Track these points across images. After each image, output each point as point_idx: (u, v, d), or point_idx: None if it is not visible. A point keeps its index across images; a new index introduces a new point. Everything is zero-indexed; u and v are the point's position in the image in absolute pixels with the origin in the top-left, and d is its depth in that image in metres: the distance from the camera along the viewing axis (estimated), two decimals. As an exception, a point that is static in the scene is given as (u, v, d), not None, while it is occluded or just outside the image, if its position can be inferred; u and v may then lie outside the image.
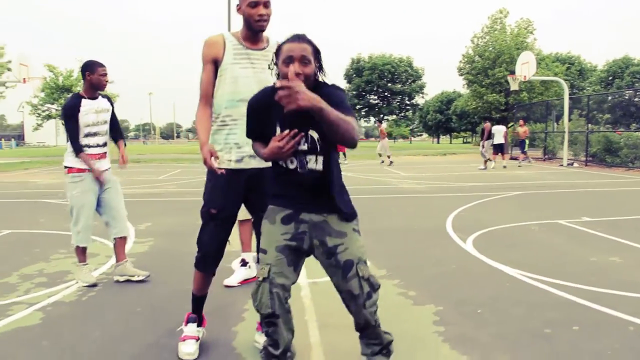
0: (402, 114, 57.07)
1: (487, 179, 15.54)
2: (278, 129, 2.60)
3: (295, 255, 2.70)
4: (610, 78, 59.41)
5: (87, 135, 4.79)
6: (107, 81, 4.84)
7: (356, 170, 19.58)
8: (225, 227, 3.18)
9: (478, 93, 33.92)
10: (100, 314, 4.06)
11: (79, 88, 37.62)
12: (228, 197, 3.14)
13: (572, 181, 14.71)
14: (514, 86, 24.29)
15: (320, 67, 2.59)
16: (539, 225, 7.66)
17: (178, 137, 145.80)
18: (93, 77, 4.75)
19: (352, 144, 2.42)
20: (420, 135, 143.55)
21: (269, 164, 2.90)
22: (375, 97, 55.53)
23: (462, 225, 7.59)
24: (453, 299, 4.32)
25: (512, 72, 26.64)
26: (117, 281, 4.95)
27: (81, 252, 4.93)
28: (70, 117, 4.70)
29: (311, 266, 5.36)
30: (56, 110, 40.09)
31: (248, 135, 2.80)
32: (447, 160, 27.74)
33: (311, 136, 2.59)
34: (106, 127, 4.96)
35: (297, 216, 2.67)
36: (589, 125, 23.81)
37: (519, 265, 5.33)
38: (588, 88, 62.21)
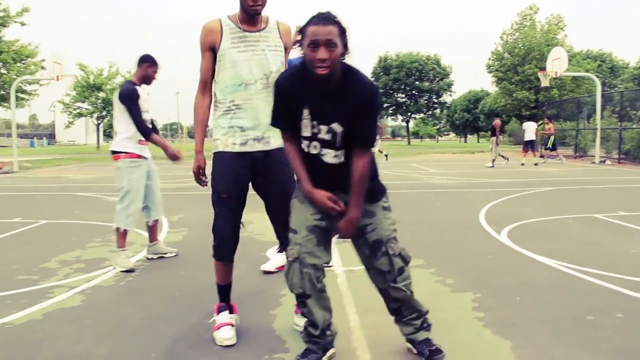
0: (430, 112, 56.63)
1: (518, 175, 15.34)
2: (306, 111, 2.56)
3: (325, 234, 2.69)
4: (644, 75, 58.16)
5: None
6: (154, 79, 5.12)
7: (383, 166, 19.51)
8: (236, 211, 3.16)
9: (507, 90, 33.51)
10: (139, 297, 4.10)
11: (110, 87, 38.44)
12: (235, 182, 3.10)
13: (605, 178, 14.44)
14: (544, 82, 23.90)
15: (346, 47, 2.47)
16: (574, 219, 7.53)
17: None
18: (150, 70, 5.03)
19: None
20: (447, 134, 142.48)
21: (274, 146, 3.07)
22: (403, 96, 55.16)
23: (495, 218, 7.50)
24: (491, 287, 4.27)
25: (543, 69, 26.28)
26: (151, 258, 5.26)
27: (122, 236, 4.99)
28: (135, 101, 4.88)
29: (347, 254, 5.39)
30: (86, 108, 40.77)
31: (274, 124, 2.74)
32: (475, 157, 27.44)
33: (333, 129, 2.55)
34: (149, 115, 5.08)
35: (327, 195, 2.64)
36: (622, 122, 23.30)
37: (556, 255, 5.24)
38: (620, 85, 61.04)
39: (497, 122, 19.75)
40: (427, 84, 53.40)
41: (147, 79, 5.05)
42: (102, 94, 38.56)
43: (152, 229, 5.34)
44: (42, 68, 23.52)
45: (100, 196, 10.89)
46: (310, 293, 2.67)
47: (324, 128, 2.55)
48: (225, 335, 3.15)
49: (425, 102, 54.80)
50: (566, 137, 29.09)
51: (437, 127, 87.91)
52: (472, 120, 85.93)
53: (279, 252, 4.88)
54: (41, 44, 24.32)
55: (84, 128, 76.81)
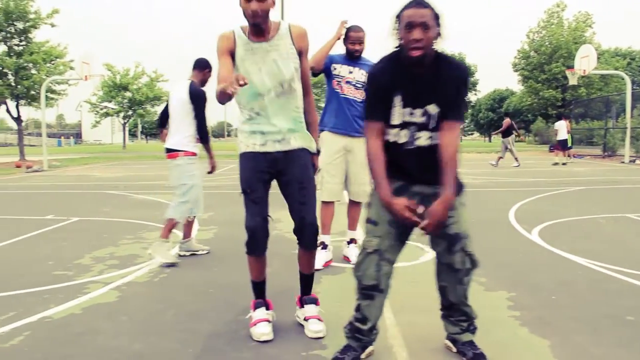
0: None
1: (546, 175, 15.17)
2: (398, 98, 2.59)
3: (404, 230, 2.68)
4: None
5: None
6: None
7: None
8: (261, 205, 3.21)
9: (533, 89, 33.10)
10: (174, 294, 4.14)
11: (135, 86, 38.85)
12: (257, 178, 3.19)
13: (637, 178, 14.21)
14: (572, 81, 23.54)
15: (439, 33, 2.52)
16: (605, 218, 7.42)
17: (229, 135, 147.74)
18: (208, 75, 5.25)
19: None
20: (472, 134, 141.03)
21: (294, 147, 3.15)
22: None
23: (525, 217, 7.42)
24: (525, 285, 4.23)
25: (570, 67, 25.91)
26: (183, 255, 5.33)
27: (170, 228, 5.17)
28: (205, 104, 5.09)
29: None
30: (112, 108, 41.27)
31: (369, 117, 2.69)
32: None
33: (428, 111, 2.59)
34: None
35: (409, 188, 2.68)
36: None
37: (589, 255, 5.17)
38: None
39: (507, 120, 19.32)
40: (451, 82, 52.96)
41: (205, 83, 5.25)
42: (128, 94, 39.01)
43: (189, 226, 5.46)
44: (71, 68, 23.83)
45: (129, 194, 11.02)
46: (383, 287, 2.71)
47: (418, 111, 2.58)
48: (263, 331, 3.17)
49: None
50: (594, 136, 28.66)
51: (462, 126, 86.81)
52: (497, 119, 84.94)
53: (322, 248, 4.87)
54: (69, 45, 24.65)
55: (109, 128, 77.75)
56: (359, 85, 4.81)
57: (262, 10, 2.96)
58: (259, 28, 3.06)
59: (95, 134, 78.47)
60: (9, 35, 22.69)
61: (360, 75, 4.83)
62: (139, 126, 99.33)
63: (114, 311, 3.72)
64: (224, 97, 2.79)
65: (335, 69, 4.84)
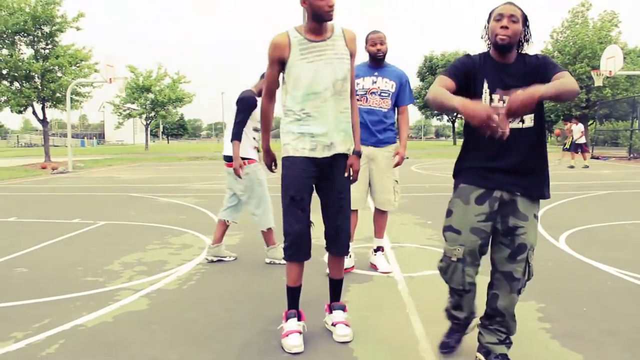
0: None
1: (572, 178, 15.00)
2: (485, 85, 2.71)
3: (487, 237, 2.80)
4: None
5: (255, 129, 5.21)
6: None
7: (426, 167, 19.35)
8: (305, 210, 3.27)
9: (557, 90, 32.66)
10: (204, 302, 4.17)
11: (158, 88, 39.15)
12: (305, 184, 3.24)
13: (664, 180, 13.99)
14: (598, 82, 23.20)
15: (525, 37, 2.76)
16: (634, 225, 7.32)
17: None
18: None
19: (576, 96, 2.56)
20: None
21: (339, 151, 3.22)
22: (449, 95, 54.54)
23: (552, 223, 7.34)
24: (555, 296, 4.19)
25: (595, 67, 25.56)
26: (211, 261, 5.37)
27: (271, 236, 5.36)
28: (248, 110, 5.09)
29: (405, 260, 5.39)
30: (135, 109, 41.66)
31: (443, 73, 2.77)
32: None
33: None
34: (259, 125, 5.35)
35: (490, 194, 2.77)
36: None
37: (618, 264, 5.11)
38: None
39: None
40: (473, 83, 52.62)
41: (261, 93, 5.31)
42: (150, 95, 39.37)
43: (222, 231, 5.48)
44: (96, 71, 24.13)
45: (153, 197, 11.12)
46: (470, 289, 2.86)
47: (506, 98, 2.58)
48: (294, 343, 3.19)
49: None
50: (619, 137, 28.29)
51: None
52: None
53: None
54: (94, 48, 24.95)
55: (132, 128, 78.46)
56: (384, 95, 4.77)
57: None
58: (321, 26, 3.17)
59: (117, 135, 79.38)
60: (35, 39, 23.02)
61: (384, 84, 4.77)
62: (161, 126, 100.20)
63: (145, 320, 3.76)
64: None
65: (357, 84, 4.71)
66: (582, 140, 19.78)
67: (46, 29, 22.89)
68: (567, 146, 20.86)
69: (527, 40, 2.79)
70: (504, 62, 2.74)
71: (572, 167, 19.10)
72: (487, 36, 2.78)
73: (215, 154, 32.02)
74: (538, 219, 2.85)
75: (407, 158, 26.33)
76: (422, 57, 55.17)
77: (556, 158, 20.47)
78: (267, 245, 5.34)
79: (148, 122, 42.01)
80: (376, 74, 4.77)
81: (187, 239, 6.55)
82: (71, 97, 22.33)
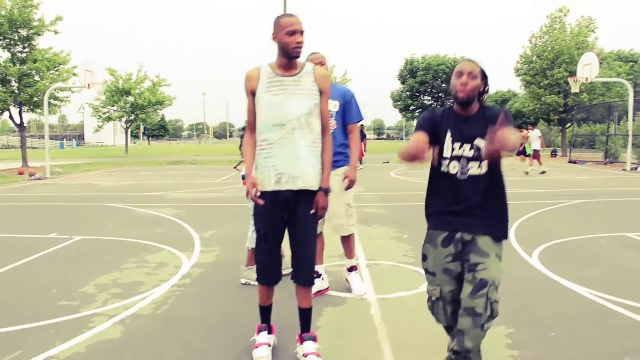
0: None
1: (548, 185, 15.21)
2: (448, 135, 2.93)
3: (459, 274, 2.99)
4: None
5: None
6: None
7: (406, 173, 19.48)
8: (275, 244, 3.49)
9: (536, 95, 33.05)
10: (177, 329, 4.17)
11: (138, 91, 38.89)
12: (271, 219, 3.41)
13: (636, 188, 14.23)
14: (575, 89, 23.64)
15: (483, 92, 2.96)
16: (606, 238, 7.45)
17: (231, 136, 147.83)
18: None
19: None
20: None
21: (303, 187, 3.31)
22: (430, 98, 54.83)
23: (526, 237, 7.46)
24: (525, 321, 4.27)
25: (573, 74, 25.93)
26: (246, 284, 5.30)
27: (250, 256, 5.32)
28: None
29: (379, 280, 5.45)
30: (115, 110, 41.35)
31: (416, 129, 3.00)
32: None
33: (477, 145, 2.86)
34: None
35: (453, 237, 2.98)
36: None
37: (589, 283, 5.21)
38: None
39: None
40: (454, 86, 52.96)
41: None
42: (130, 99, 39.10)
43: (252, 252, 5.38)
44: (74, 75, 23.93)
45: (131, 208, 11.07)
46: (453, 325, 3.00)
47: (467, 146, 2.90)
48: (262, 354, 3.48)
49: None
50: (596, 141, 28.72)
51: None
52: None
53: (316, 278, 4.90)
54: (73, 51, 24.73)
55: (112, 130, 77.82)
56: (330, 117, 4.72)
57: (303, 44, 3.25)
58: (292, 62, 3.31)
59: (97, 137, 78.72)
60: (12, 42, 22.77)
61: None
62: (142, 128, 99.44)
63: (118, 350, 3.77)
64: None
65: None
66: (537, 146, 19.91)
67: (23, 33, 22.64)
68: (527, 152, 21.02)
69: (487, 92, 2.99)
70: (465, 114, 2.95)
71: (527, 173, 19.09)
72: (450, 91, 2.99)
73: (195, 158, 31.94)
74: (501, 258, 2.97)
75: (387, 162, 26.52)
76: (403, 60, 55.48)
77: (508, 165, 20.54)
78: (246, 265, 5.33)
79: (128, 125, 41.72)
80: None
81: (164, 257, 6.54)
82: (49, 102, 22.14)
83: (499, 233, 2.97)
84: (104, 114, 40.46)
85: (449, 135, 2.93)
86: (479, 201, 2.92)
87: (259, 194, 3.27)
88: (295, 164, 3.29)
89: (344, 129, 4.79)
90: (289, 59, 3.29)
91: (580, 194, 12.83)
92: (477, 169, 2.91)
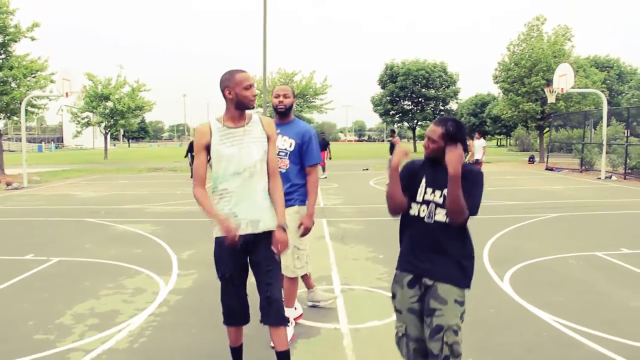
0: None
1: (523, 197, 15.44)
2: (423, 181, 3.16)
3: (420, 313, 3.15)
4: (651, 82, 58.14)
5: None
6: None
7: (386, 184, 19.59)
8: (238, 287, 3.61)
9: (514, 102, 33.53)
10: (153, 364, 4.23)
11: (117, 96, 38.58)
12: (232, 263, 3.54)
13: (611, 200, 14.54)
14: (551, 99, 24.09)
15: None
16: (577, 258, 7.64)
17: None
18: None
19: (461, 220, 3.01)
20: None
21: (263, 229, 3.47)
22: (409, 103, 55.13)
23: (500, 257, 7.62)
24: (491, 351, 4.41)
25: (549, 82, 26.37)
26: (313, 306, 5.49)
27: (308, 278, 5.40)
28: None
29: (353, 307, 5.55)
30: (93, 112, 40.97)
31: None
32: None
33: (445, 193, 3.05)
34: None
35: (419, 280, 3.15)
36: (629, 137, 23.41)
37: (555, 309, 5.38)
38: (627, 92, 60.98)
39: (396, 139, 19.28)
40: (433, 91, 53.39)
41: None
42: (109, 104, 38.80)
43: (308, 277, 5.38)
44: (52, 82, 23.77)
45: (110, 224, 11.06)
46: None
47: (438, 192, 3.11)
48: None
49: (432, 109, 54.76)
50: (572, 148, 29.20)
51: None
52: (479, 124, 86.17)
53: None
54: (51, 57, 24.58)
55: (91, 132, 77.12)
56: (281, 154, 4.52)
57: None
58: (242, 114, 3.51)
59: (76, 139, 77.69)
60: (-13, 49, 22.58)
61: (282, 142, 4.54)
62: (121, 130, 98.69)
63: (93, 390, 3.83)
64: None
65: None
66: (479, 156, 20.18)
67: (-1, 39, 22.47)
68: (468, 160, 21.19)
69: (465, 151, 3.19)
70: (439, 165, 3.12)
71: None
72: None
73: (175, 165, 31.81)
74: (461, 303, 3.10)
75: (367, 170, 26.68)
76: (383, 65, 55.79)
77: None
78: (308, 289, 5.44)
79: (107, 130, 41.40)
80: (278, 131, 4.45)
81: (141, 282, 6.59)
82: (26, 109, 21.95)
83: (460, 283, 3.11)
84: (83, 118, 40.11)
85: (423, 181, 3.16)
86: (443, 248, 3.09)
87: (237, 236, 3.27)
88: (254, 208, 3.47)
89: (299, 169, 4.63)
90: (242, 110, 3.51)
91: (554, 206, 13.07)
92: (443, 216, 3.09)
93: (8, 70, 22.32)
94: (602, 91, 25.72)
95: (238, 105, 3.47)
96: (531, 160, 33.15)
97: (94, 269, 7.30)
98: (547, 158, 29.62)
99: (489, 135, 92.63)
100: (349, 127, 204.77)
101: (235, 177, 3.44)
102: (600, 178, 21.24)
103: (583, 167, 25.32)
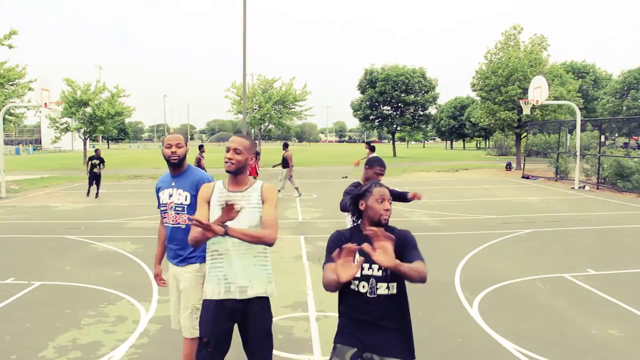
0: (416, 125, 56.96)
1: (497, 210, 15.76)
2: (357, 256, 2.97)
3: None
4: (625, 89, 59.23)
5: None
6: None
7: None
8: (218, 352, 3.55)
9: (491, 110, 34.08)
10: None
11: (96, 102, 38.32)
12: (216, 328, 3.53)
13: (582, 213, 14.88)
14: (526, 110, 24.70)
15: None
16: (544, 280, 7.93)
17: (192, 139, 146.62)
18: (377, 170, 5.63)
19: (425, 277, 2.90)
20: (434, 139, 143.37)
21: (251, 295, 3.51)
22: (389, 108, 55.50)
23: (470, 279, 7.89)
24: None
25: (525, 91, 26.95)
26: None
27: None
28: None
29: (326, 336, 5.73)
30: (72, 119, 40.65)
31: (327, 261, 3.12)
32: (459, 179, 27.90)
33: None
34: None
35: (361, 354, 3.11)
36: (602, 148, 23.99)
37: (519, 338, 5.64)
38: (602, 98, 62.10)
39: (288, 153, 19.71)
40: (412, 96, 53.80)
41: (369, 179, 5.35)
42: (88, 110, 38.53)
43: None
44: (30, 89, 23.66)
45: (90, 242, 11.13)
46: None
47: (376, 266, 3.06)
48: None
49: (411, 114, 55.18)
50: (548, 154, 29.83)
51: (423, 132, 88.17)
52: (458, 127, 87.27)
53: None
54: (29, 63, 24.47)
55: (69, 135, 76.39)
56: (178, 209, 4.22)
57: (236, 160, 3.57)
58: (237, 178, 3.64)
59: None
60: (-36, 58, 22.39)
61: (177, 196, 4.24)
62: (100, 135, 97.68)
63: None
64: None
65: (159, 199, 4.36)
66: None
67: (-26, 48, 22.32)
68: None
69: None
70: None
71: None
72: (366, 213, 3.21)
73: (155, 172, 31.72)
74: None
75: (346, 177, 26.86)
76: (362, 70, 56.12)
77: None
78: None
79: (86, 136, 41.08)
80: (173, 184, 4.27)
81: (122, 309, 6.71)
82: (4, 118, 21.83)
83: (407, 355, 3.14)
84: (62, 124, 39.77)
85: (357, 255, 2.94)
86: (387, 321, 3.08)
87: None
88: (243, 274, 3.52)
89: None
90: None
91: (528, 221, 13.39)
92: (385, 289, 3.08)
93: (-15, 79, 22.21)
94: (577, 99, 26.22)
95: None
96: (508, 167, 33.67)
97: (75, 294, 7.41)
98: (524, 165, 30.18)
99: (468, 138, 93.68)
100: (330, 127, 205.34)
101: (227, 241, 3.49)
102: (574, 188, 21.72)
103: (558, 176, 25.85)
